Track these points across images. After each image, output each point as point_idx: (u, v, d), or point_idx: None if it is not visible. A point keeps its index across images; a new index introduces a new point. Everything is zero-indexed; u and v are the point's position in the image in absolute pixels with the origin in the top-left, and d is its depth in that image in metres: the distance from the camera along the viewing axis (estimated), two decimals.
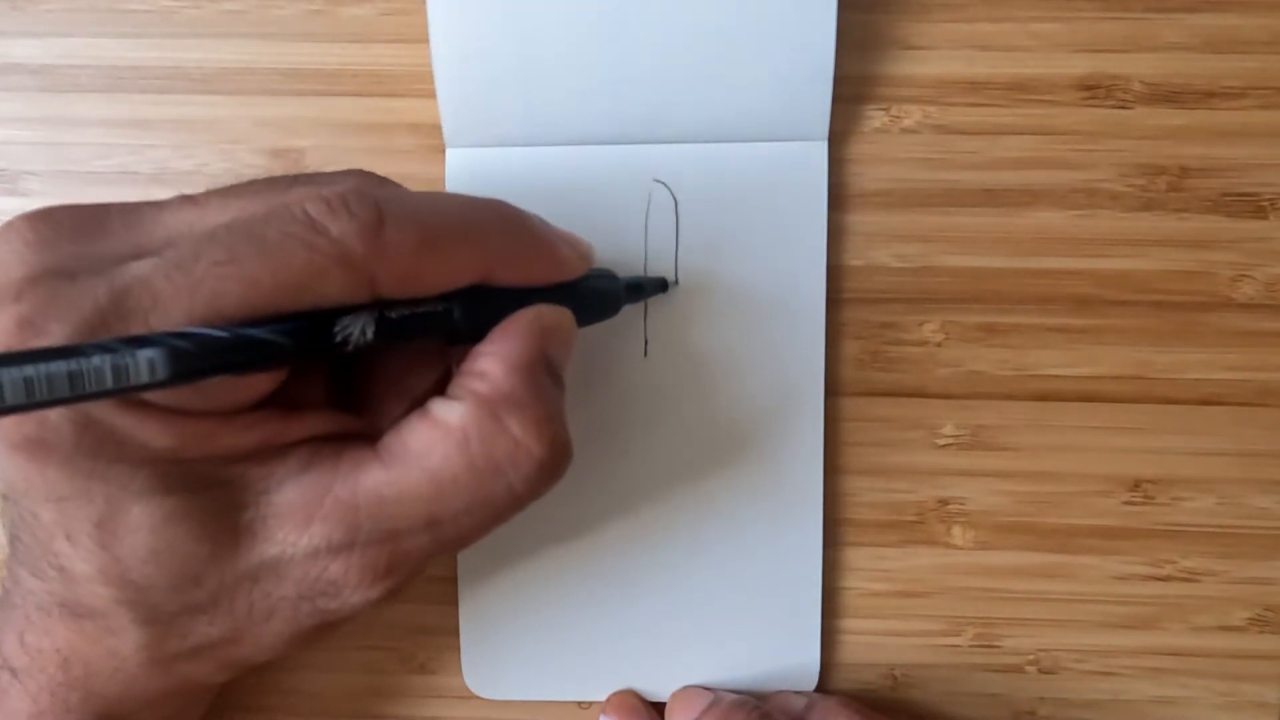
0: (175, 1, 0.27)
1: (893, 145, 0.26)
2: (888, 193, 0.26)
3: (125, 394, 0.17)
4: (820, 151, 0.26)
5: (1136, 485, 0.27)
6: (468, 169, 0.26)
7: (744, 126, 0.25)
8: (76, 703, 0.21)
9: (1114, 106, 0.26)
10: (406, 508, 0.20)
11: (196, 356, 0.17)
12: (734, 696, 0.26)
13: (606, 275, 0.24)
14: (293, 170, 0.27)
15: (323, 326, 0.19)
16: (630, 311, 0.26)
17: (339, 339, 0.19)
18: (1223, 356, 0.26)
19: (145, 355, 0.17)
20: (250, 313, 0.18)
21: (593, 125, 0.25)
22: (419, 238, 0.19)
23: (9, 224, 0.19)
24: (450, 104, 0.25)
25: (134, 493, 0.19)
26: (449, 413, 0.20)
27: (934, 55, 0.26)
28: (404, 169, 0.27)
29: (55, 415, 0.18)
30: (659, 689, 0.27)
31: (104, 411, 0.18)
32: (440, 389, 0.21)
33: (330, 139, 0.27)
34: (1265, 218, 0.26)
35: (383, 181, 0.21)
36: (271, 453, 0.20)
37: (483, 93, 0.25)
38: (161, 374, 0.17)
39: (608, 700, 0.27)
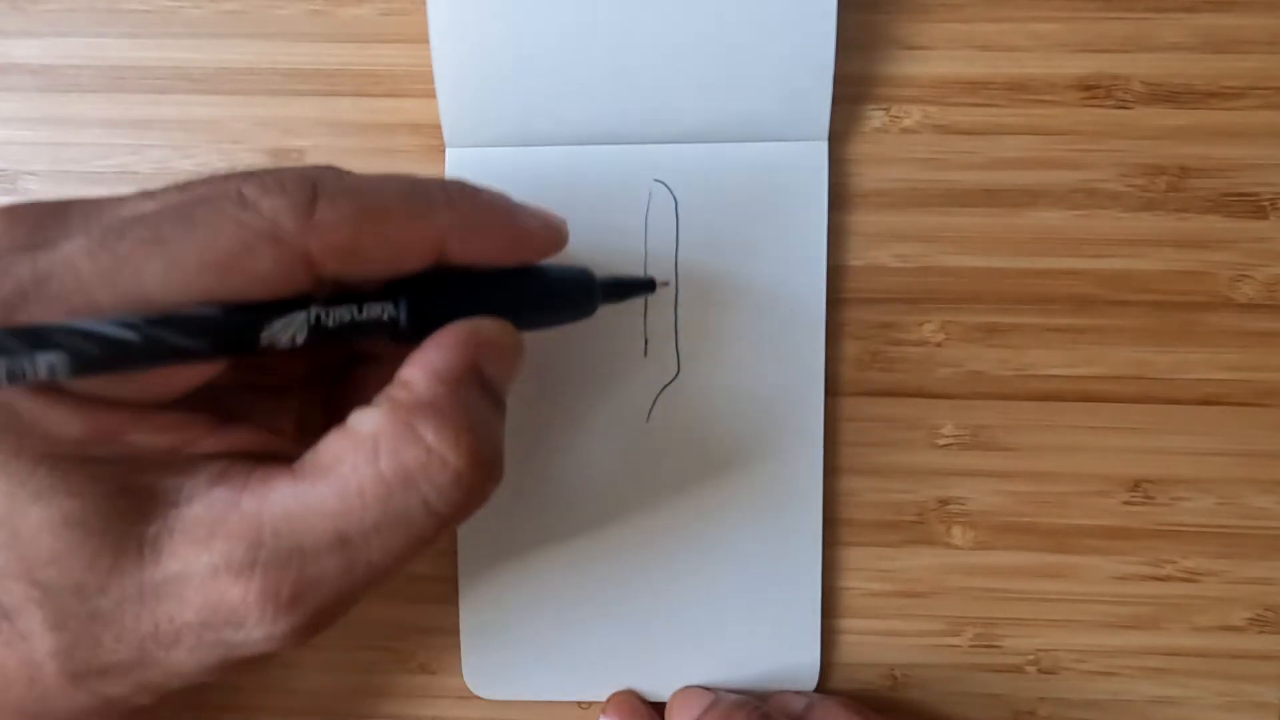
0: (175, 1, 0.27)
1: (893, 145, 0.26)
2: (888, 193, 0.26)
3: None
4: (820, 151, 0.26)
5: (1136, 485, 0.27)
6: (468, 169, 0.26)
7: (744, 126, 0.25)
8: None
9: (1114, 106, 0.26)
10: (312, 523, 0.18)
11: (100, 361, 0.17)
12: (734, 696, 0.26)
13: (582, 272, 0.23)
14: None
15: (249, 325, 0.18)
16: (630, 311, 0.26)
17: (265, 344, 0.18)
18: (1223, 356, 0.26)
19: (45, 359, 0.16)
20: (177, 293, 0.17)
21: (593, 125, 0.25)
22: (356, 211, 0.19)
23: None
24: (450, 104, 0.25)
25: (33, 491, 0.18)
26: (364, 422, 0.19)
27: (934, 55, 0.26)
28: (404, 169, 0.27)
29: None
30: (659, 689, 0.27)
31: (9, 394, 0.18)
32: None
33: (330, 139, 0.27)
34: (1265, 218, 0.26)
35: (337, 169, 0.20)
36: (185, 462, 0.19)
37: (483, 93, 0.25)
38: (61, 373, 0.16)
39: (608, 700, 0.27)
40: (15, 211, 0.19)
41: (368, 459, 0.19)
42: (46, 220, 0.19)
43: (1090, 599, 0.27)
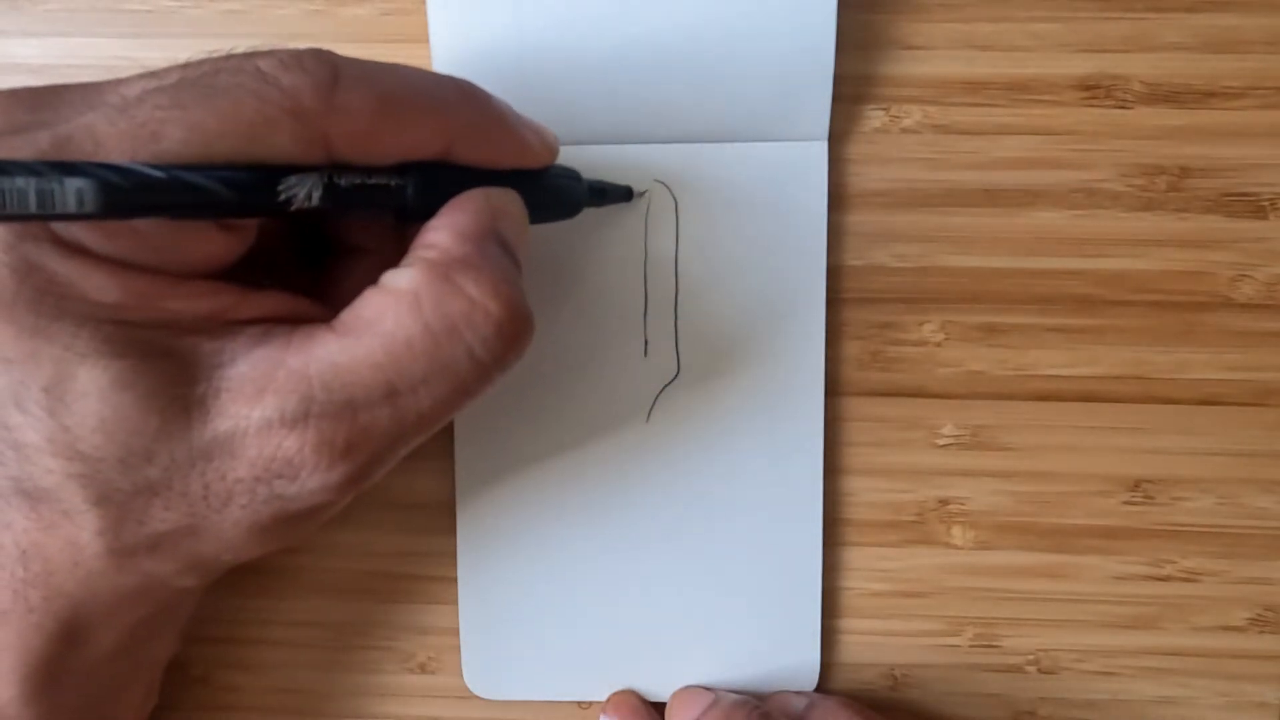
0: (175, 1, 0.27)
1: (893, 145, 0.26)
2: (888, 193, 0.26)
3: (51, 220, 0.16)
4: (820, 151, 0.26)
5: (1136, 485, 0.27)
6: None
7: (744, 126, 0.25)
8: (39, 601, 0.20)
9: (1114, 106, 0.26)
10: (362, 376, 0.19)
11: (127, 192, 0.17)
12: (734, 696, 0.26)
13: (570, 174, 0.24)
14: None
15: (267, 182, 0.18)
16: (630, 311, 0.26)
17: (283, 198, 0.19)
18: (1223, 356, 0.26)
19: (74, 184, 0.16)
20: (195, 158, 0.18)
21: (593, 125, 0.25)
22: (377, 99, 0.19)
23: None
24: None
25: (79, 354, 0.18)
26: (400, 279, 0.19)
27: (934, 55, 0.26)
28: None
29: None
30: (659, 689, 0.27)
31: (45, 257, 0.18)
32: None
33: None
34: (1265, 218, 0.26)
35: (357, 59, 0.20)
36: (224, 328, 0.19)
37: None
38: (90, 206, 0.16)
39: (608, 700, 0.27)
40: (14, 92, 0.19)
41: (411, 312, 0.19)
42: (46, 101, 0.19)
43: (1090, 599, 0.27)
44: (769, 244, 0.26)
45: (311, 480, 0.19)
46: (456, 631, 0.27)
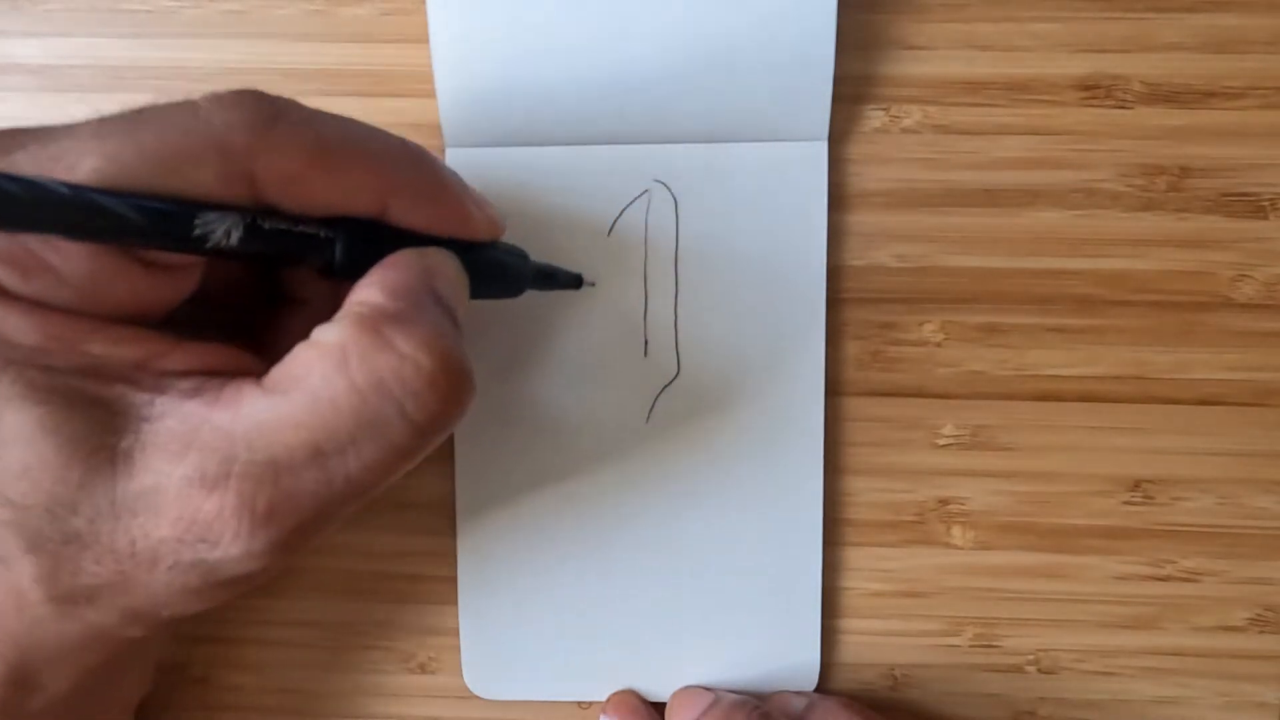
0: (175, 1, 0.27)
1: (893, 145, 0.26)
2: (888, 193, 0.26)
3: None
4: (820, 151, 0.26)
5: (1136, 485, 0.27)
6: (468, 169, 0.26)
7: (744, 126, 0.25)
8: None
9: (1114, 106, 0.26)
10: (286, 436, 0.18)
11: (24, 204, 0.16)
12: (734, 696, 0.26)
13: (517, 253, 0.23)
14: None
15: (183, 214, 0.18)
16: (630, 311, 0.26)
17: (198, 233, 0.18)
18: (1223, 356, 0.26)
19: None
20: (107, 183, 0.17)
21: (593, 125, 0.25)
22: (313, 142, 0.19)
23: None
24: (450, 104, 0.25)
25: (4, 398, 0.18)
26: (328, 334, 0.19)
27: (934, 55, 0.26)
28: None
29: None
30: (659, 689, 0.27)
31: None
32: None
33: None
34: (1265, 218, 0.26)
35: (305, 106, 0.20)
36: (155, 379, 0.19)
37: (483, 93, 0.25)
38: None
39: (608, 700, 0.27)
40: None
41: (338, 368, 0.18)
42: (3, 142, 0.18)
43: (1090, 599, 0.27)
44: (769, 244, 0.26)
45: (234, 546, 0.18)
46: (456, 631, 0.27)
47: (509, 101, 0.25)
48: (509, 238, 0.24)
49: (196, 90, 0.26)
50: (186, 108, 0.18)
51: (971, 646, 0.27)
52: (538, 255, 0.25)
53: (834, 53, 0.25)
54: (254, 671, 0.28)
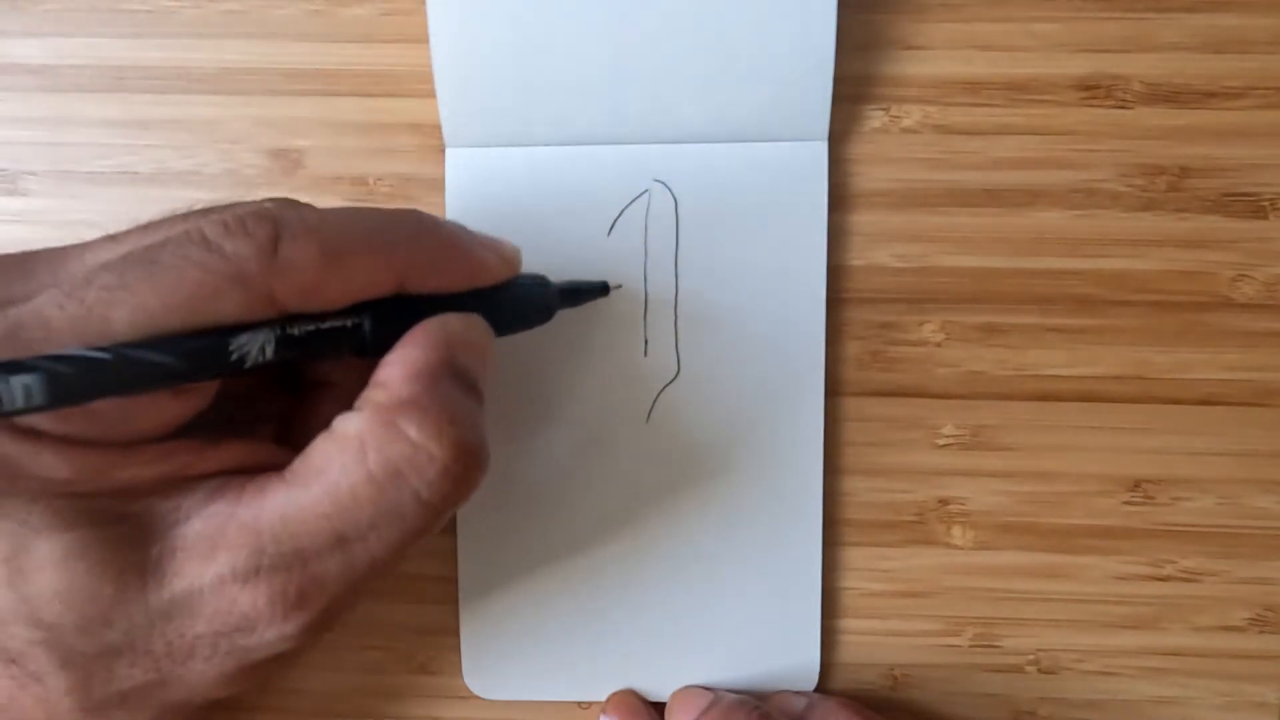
0: (175, 1, 0.27)
1: (893, 145, 0.26)
2: (888, 193, 0.26)
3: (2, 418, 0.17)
4: (820, 151, 0.26)
5: (1136, 485, 0.27)
6: (468, 169, 0.26)
7: (744, 126, 0.25)
8: None
9: (1114, 106, 0.26)
10: (310, 526, 0.19)
11: (76, 379, 0.17)
12: (734, 696, 0.26)
13: (538, 281, 0.24)
14: (291, 170, 0.27)
15: (217, 345, 0.19)
16: (630, 311, 0.26)
17: (235, 357, 0.19)
18: (1223, 356, 0.26)
19: (20, 381, 0.16)
20: (142, 334, 0.18)
21: (593, 125, 0.25)
22: (319, 251, 0.19)
23: None
24: (450, 104, 0.25)
25: (34, 528, 0.18)
26: (347, 424, 0.20)
27: (934, 55, 0.26)
28: (404, 169, 0.27)
29: None
30: (659, 689, 0.27)
31: None
32: None
33: (330, 139, 0.27)
34: (1265, 218, 0.26)
35: (296, 204, 0.21)
36: (178, 485, 0.20)
37: (483, 93, 0.25)
38: (39, 399, 0.17)
39: (608, 700, 0.27)
40: None
41: (356, 459, 0.19)
42: (13, 273, 0.19)
43: (1090, 599, 0.27)
44: (769, 244, 0.26)
45: (269, 631, 0.19)
46: (456, 631, 0.27)
47: (509, 101, 0.25)
48: (509, 237, 0.24)
49: (196, 90, 0.27)
50: (197, 241, 0.19)
51: (971, 646, 0.27)
52: (538, 256, 0.25)
53: (834, 53, 0.25)
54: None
